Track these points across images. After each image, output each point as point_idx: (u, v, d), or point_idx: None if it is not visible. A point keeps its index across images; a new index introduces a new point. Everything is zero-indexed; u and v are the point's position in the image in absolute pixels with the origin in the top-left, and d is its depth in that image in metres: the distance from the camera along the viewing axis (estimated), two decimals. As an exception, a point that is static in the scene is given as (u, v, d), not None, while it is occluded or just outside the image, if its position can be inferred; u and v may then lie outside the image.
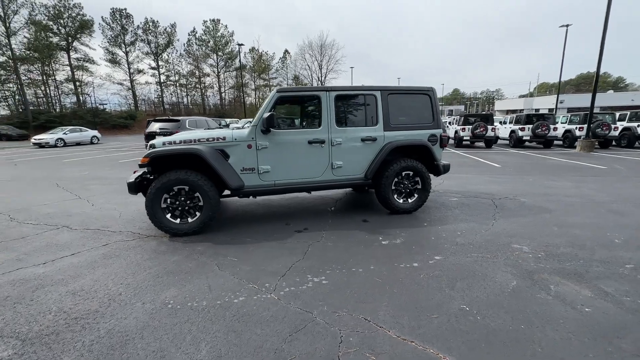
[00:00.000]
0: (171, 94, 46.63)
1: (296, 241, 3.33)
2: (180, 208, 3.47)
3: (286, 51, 53.08)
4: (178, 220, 3.48)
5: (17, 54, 29.60)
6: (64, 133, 19.03)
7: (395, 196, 4.18)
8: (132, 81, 40.52)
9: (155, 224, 3.42)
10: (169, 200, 3.43)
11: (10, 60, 29.06)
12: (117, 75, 41.67)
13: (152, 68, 42.09)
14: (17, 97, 31.60)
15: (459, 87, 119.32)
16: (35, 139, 18.17)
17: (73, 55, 34.66)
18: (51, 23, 31.86)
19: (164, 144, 3.51)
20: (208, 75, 48.19)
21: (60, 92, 35.83)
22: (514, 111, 38.52)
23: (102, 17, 37.10)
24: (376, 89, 4.06)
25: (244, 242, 3.32)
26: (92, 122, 28.49)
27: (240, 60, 37.93)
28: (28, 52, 30.55)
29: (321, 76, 50.08)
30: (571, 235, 3.37)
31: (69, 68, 34.61)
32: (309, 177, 3.92)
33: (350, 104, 4.09)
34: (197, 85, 47.19)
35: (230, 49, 45.14)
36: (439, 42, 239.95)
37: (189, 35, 44.68)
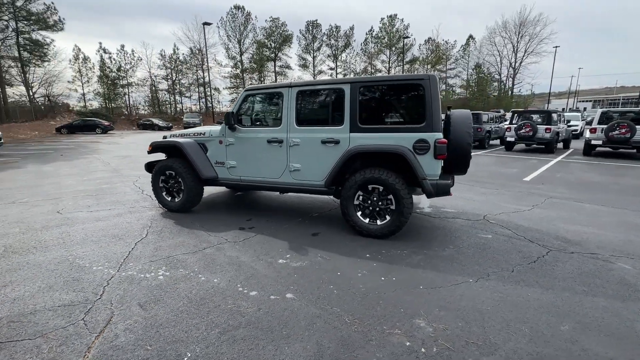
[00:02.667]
0: (346, 91, 51.63)
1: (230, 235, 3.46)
2: (170, 189, 4.30)
3: (470, 37, 47.11)
4: (169, 199, 4.32)
5: (244, 67, 41.37)
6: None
7: (359, 214, 3.40)
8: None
9: (156, 198, 4.40)
10: (163, 182, 4.31)
11: (240, 72, 41.08)
12: (305, 77, 50.38)
13: (331, 69, 48.06)
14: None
15: None
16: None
17: (277, 64, 44.74)
18: (266, 40, 42.29)
19: (164, 137, 4.41)
20: (380, 71, 50.05)
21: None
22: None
23: (299, 30, 45.64)
24: (346, 81, 3.40)
25: (195, 227, 3.77)
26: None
27: (402, 50, 36.90)
28: (250, 64, 42.02)
29: (515, 61, 41.52)
30: None
31: (273, 74, 45.03)
32: (270, 177, 3.84)
33: (315, 101, 3.64)
34: (369, 82, 49.98)
35: (403, 43, 44.79)
36: None
37: (366, 34, 47.67)
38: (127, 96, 41.51)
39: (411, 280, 2.51)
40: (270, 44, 42.88)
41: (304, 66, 46.89)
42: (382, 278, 2.54)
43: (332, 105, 3.51)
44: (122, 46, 40.52)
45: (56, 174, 7.34)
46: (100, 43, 40.09)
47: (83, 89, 38.85)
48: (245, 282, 2.46)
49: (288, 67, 45.49)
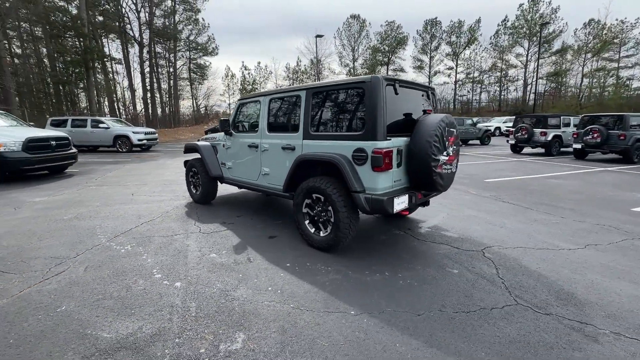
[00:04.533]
0: (468, 91, 46.35)
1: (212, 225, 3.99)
2: (195, 184, 5.17)
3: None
4: (194, 191, 5.21)
5: (356, 73, 42.59)
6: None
7: (307, 222, 3.31)
8: (430, 83, 44.90)
9: (188, 191, 5.37)
10: (191, 177, 5.23)
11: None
12: (420, 79, 47.78)
13: (449, 68, 43.94)
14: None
15: None
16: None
17: (390, 67, 44.09)
18: (380, 45, 42.35)
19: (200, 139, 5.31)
20: (515, 67, 42.57)
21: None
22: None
23: (417, 30, 43.64)
24: (302, 88, 3.38)
25: (192, 217, 4.48)
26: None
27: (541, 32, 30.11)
28: (362, 69, 42.94)
29: None
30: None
31: (386, 78, 44.58)
32: (251, 180, 4.17)
33: (281, 109, 3.70)
34: (501, 79, 43.34)
35: (540, 31, 36.73)
36: None
37: (498, 25, 41.38)
38: (259, 105, 49.33)
39: (294, 297, 2.37)
40: (384, 48, 42.68)
41: (419, 68, 44.69)
42: (269, 288, 2.49)
43: (292, 112, 3.55)
44: (259, 63, 48.53)
45: (167, 166, 9.69)
46: (243, 62, 49.07)
47: (229, 100, 48.46)
48: (167, 267, 2.86)
49: (401, 69, 44.30)
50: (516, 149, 13.50)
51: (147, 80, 33.14)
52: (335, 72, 44.43)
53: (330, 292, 2.44)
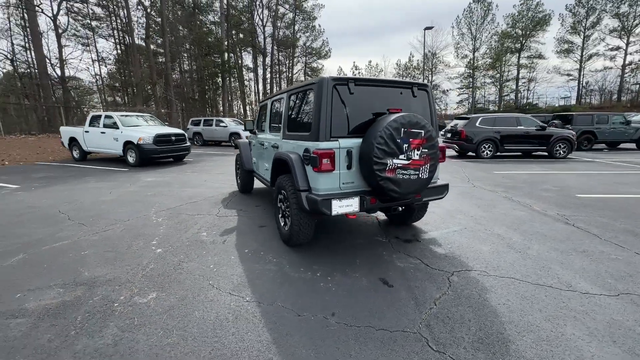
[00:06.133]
0: (645, 79, 34.32)
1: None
2: (238, 175, 6.04)
3: None
4: (238, 181, 6.08)
5: (476, 64, 37.63)
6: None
7: (280, 215, 3.54)
8: (581, 70, 35.35)
9: (235, 181, 6.30)
10: (236, 168, 6.11)
11: (472, 71, 37.78)
12: (564, 66, 38.27)
13: (613, 49, 33.42)
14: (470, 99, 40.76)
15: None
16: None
17: (524, 54, 36.96)
18: (510, 29, 36.02)
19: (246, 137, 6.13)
20: None
21: (503, 91, 40.24)
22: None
23: (565, 5, 34.93)
24: (285, 91, 3.59)
25: (224, 205, 5.31)
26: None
27: None
28: (483, 60, 37.60)
29: None
30: None
31: (516, 68, 37.67)
32: (261, 174, 4.65)
33: (278, 110, 3.96)
34: None
35: None
36: None
37: None
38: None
39: (220, 276, 2.70)
40: (516, 32, 36.13)
41: (566, 51, 35.86)
42: (212, 265, 2.90)
43: (280, 113, 3.79)
44: (369, 61, 48.77)
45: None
46: (354, 62, 50.28)
47: (339, 100, 50.76)
48: (166, 238, 3.65)
49: (539, 56, 36.55)
50: None
51: (268, 85, 38.24)
52: (451, 65, 40.54)
53: (251, 279, 2.66)
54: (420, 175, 2.82)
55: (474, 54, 37.75)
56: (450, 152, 12.42)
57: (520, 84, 38.32)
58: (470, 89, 39.56)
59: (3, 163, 10.45)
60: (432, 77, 41.41)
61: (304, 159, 2.94)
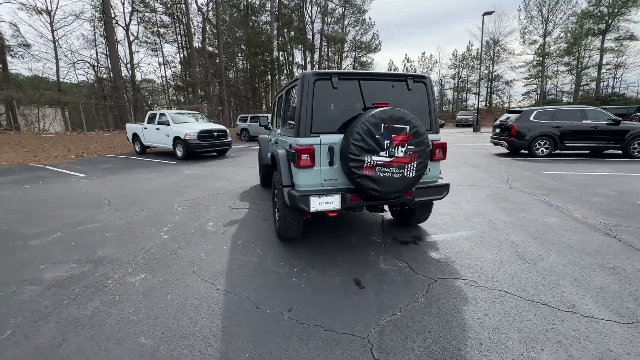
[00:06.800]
0: None
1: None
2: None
3: None
4: (260, 175, 6.32)
5: (546, 51, 33.31)
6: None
7: (276, 209, 3.61)
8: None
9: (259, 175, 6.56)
10: (259, 162, 6.35)
11: (542, 58, 33.61)
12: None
13: None
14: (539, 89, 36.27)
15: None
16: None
17: (609, 36, 31.70)
18: (593, 8, 31.13)
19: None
20: None
21: (581, 80, 34.98)
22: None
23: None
24: (284, 87, 3.64)
25: (242, 197, 5.57)
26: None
27: None
28: (557, 45, 33.11)
29: None
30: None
31: (598, 52, 32.49)
32: (274, 169, 4.76)
33: (278, 106, 4.00)
34: None
35: None
36: None
37: None
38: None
39: (207, 264, 2.87)
40: (600, 11, 31.13)
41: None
42: (202, 254, 3.09)
43: (280, 109, 3.84)
44: (423, 53, 46.30)
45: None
46: (406, 54, 48.19)
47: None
48: (176, 225, 3.98)
49: (630, 37, 31.02)
50: None
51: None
52: (516, 53, 36.52)
53: (230, 269, 2.79)
54: (405, 174, 2.65)
55: (544, 39, 33.45)
56: (497, 149, 11.31)
57: (603, 71, 32.99)
58: (539, 79, 35.25)
59: (82, 155, 12.27)
60: (493, 66, 37.86)
61: (288, 155, 2.97)
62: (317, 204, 2.70)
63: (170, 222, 4.08)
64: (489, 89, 40.08)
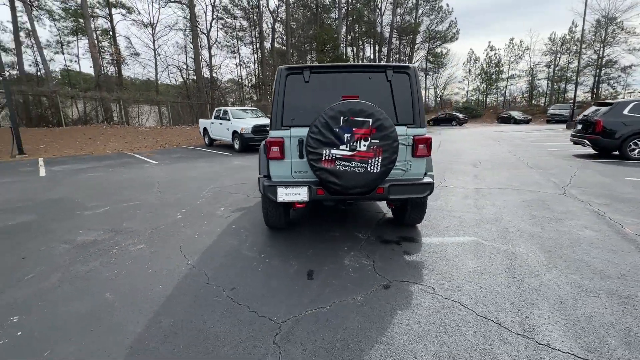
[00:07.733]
0: None
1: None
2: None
3: None
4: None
5: None
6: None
7: (270, 200, 3.82)
8: None
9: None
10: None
11: None
12: None
13: None
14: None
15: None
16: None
17: None
18: None
19: None
20: None
21: None
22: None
23: None
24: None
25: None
26: None
27: None
28: None
29: None
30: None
31: None
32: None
33: None
34: None
35: None
36: None
37: None
38: (505, 89, 42.00)
39: (194, 244, 3.24)
40: None
41: None
42: (196, 234, 3.48)
43: None
44: (511, 39, 40.76)
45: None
46: (489, 42, 43.10)
47: (468, 86, 44.79)
48: (190, 209, 4.51)
49: None
50: None
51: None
52: (638, 32, 29.44)
53: (210, 249, 3.10)
54: (369, 169, 2.56)
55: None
56: (578, 149, 9.48)
57: None
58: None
59: (165, 146, 14.44)
60: (603, 50, 31.30)
61: (264, 146, 3.12)
62: (285, 195, 2.80)
63: (191, 204, 4.64)
64: (596, 77, 33.31)
